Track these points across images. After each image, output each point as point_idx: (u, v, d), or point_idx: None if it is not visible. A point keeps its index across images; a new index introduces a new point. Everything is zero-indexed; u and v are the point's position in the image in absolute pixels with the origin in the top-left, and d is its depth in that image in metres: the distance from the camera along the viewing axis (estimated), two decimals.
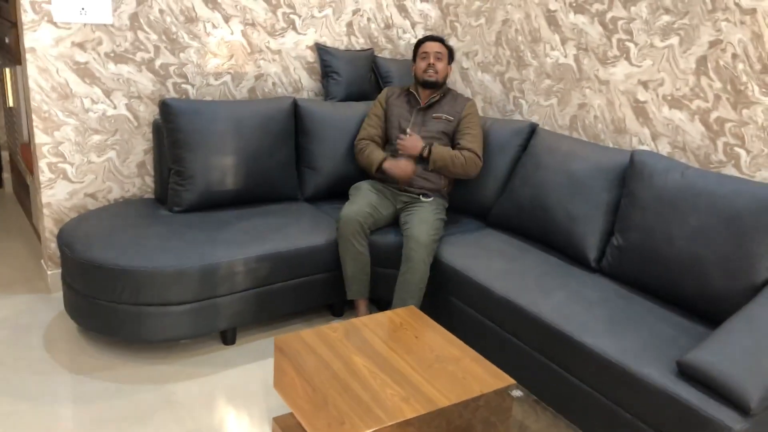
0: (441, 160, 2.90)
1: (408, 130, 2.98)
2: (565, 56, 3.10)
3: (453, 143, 3.01)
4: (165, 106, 2.80)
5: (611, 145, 2.94)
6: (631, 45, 2.80)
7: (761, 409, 1.77)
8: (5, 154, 4.38)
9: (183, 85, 3.09)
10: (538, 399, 1.80)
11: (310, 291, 2.81)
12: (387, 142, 3.11)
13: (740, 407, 1.77)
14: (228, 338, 2.71)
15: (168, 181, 2.92)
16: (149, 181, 3.13)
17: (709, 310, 2.23)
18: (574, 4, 3.01)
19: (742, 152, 2.47)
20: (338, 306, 3.00)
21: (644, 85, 2.77)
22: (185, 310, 2.49)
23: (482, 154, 3.00)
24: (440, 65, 3.00)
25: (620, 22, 2.83)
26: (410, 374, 1.89)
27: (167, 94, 3.06)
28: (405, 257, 2.69)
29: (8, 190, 4.41)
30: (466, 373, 1.91)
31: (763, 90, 2.37)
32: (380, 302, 3.04)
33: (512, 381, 1.89)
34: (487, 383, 1.87)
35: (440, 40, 3.05)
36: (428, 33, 3.84)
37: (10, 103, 3.75)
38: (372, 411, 1.72)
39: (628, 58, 2.82)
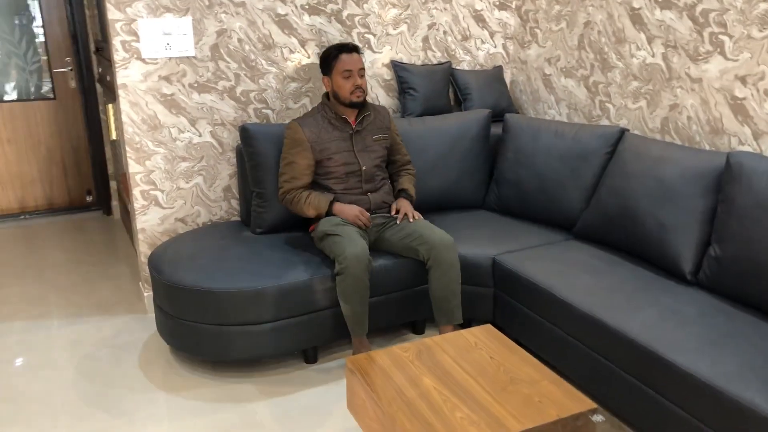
0: (413, 186, 2.98)
1: (415, 216, 2.79)
2: (653, 55, 2.91)
3: (389, 158, 2.98)
4: (244, 131, 2.89)
5: (708, 148, 2.71)
6: (725, 38, 2.58)
7: None
8: (113, 184, 4.71)
9: (263, 110, 3.18)
10: (624, 423, 1.66)
11: (390, 308, 2.78)
12: (320, 176, 2.81)
13: None
14: (309, 356, 2.73)
15: (251, 203, 3.00)
16: (235, 204, 3.24)
17: None
18: (660, 0, 2.82)
19: None
20: (420, 324, 2.95)
21: (742, 80, 2.54)
22: (265, 329, 2.53)
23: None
24: (364, 82, 2.77)
25: (712, 15, 2.62)
26: (482, 397, 1.81)
27: (249, 120, 3.16)
28: (434, 261, 2.63)
29: (117, 216, 4.72)
30: (543, 396, 1.81)
31: None
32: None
33: (593, 405, 1.77)
34: (566, 407, 1.76)
35: (356, 49, 2.77)
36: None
37: (113, 136, 4.02)
38: None
39: (722, 53, 2.60)
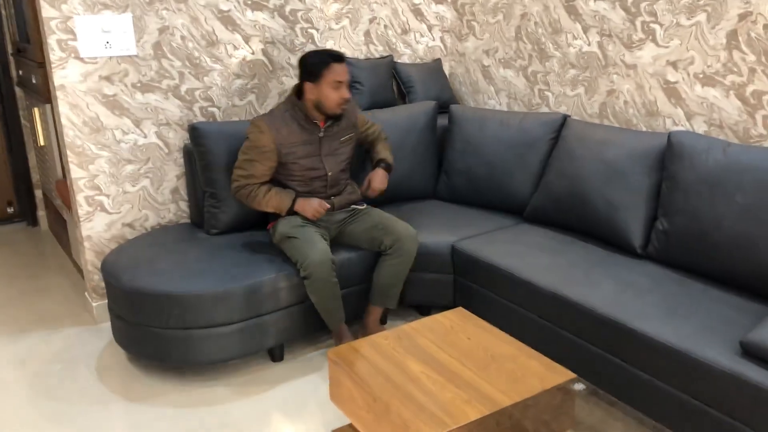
0: (390, 152, 2.96)
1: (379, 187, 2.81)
2: (589, 44, 3.07)
3: (362, 147, 2.99)
4: (194, 131, 2.82)
5: (644, 129, 2.89)
6: (656, 26, 2.76)
7: None
8: (38, 193, 4.46)
9: (209, 108, 3.12)
10: (599, 389, 1.77)
11: (355, 301, 2.79)
12: (282, 176, 2.71)
13: None
14: (276, 355, 2.70)
15: (203, 204, 2.94)
16: (184, 206, 3.15)
17: (765, 288, 2.17)
18: None
19: None
20: (383, 314, 2.99)
21: (674, 65, 2.73)
22: (232, 330, 2.50)
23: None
24: (348, 90, 2.67)
25: (643, 5, 2.79)
26: (468, 376, 1.87)
27: (195, 119, 3.09)
28: (395, 251, 2.65)
29: (44, 227, 4.48)
30: (525, 370, 1.88)
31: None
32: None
33: (573, 375, 1.86)
34: (548, 379, 1.84)
35: (344, 58, 2.66)
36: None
37: (41, 142, 3.81)
38: (435, 416, 1.70)
39: (654, 40, 2.78)
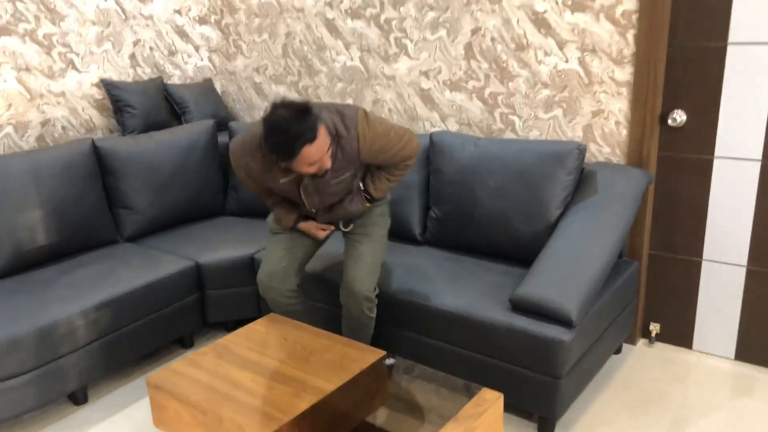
0: (383, 191, 2.35)
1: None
2: (352, 59, 3.37)
3: (373, 170, 2.35)
4: None
5: None
6: (407, 41, 3.14)
7: (581, 319, 2.16)
8: None
9: None
10: (406, 360, 2.02)
11: (157, 328, 2.73)
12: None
13: (565, 322, 2.14)
14: (79, 398, 2.54)
15: None
16: None
17: (521, 254, 2.62)
18: (350, 11, 3.28)
19: (516, 118, 2.92)
20: (188, 337, 2.96)
21: (425, 74, 3.13)
22: (27, 380, 2.30)
23: (412, 145, 2.27)
24: (327, 158, 2.04)
25: (394, 22, 3.15)
26: (292, 372, 1.99)
27: None
28: (343, 303, 2.36)
29: None
30: (343, 357, 2.06)
31: (520, 64, 2.83)
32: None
33: (383, 352, 2.08)
34: (364, 360, 2.04)
35: (311, 139, 1.94)
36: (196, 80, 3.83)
37: None
38: (268, 413, 1.79)
39: (407, 53, 3.16)
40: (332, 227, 2.40)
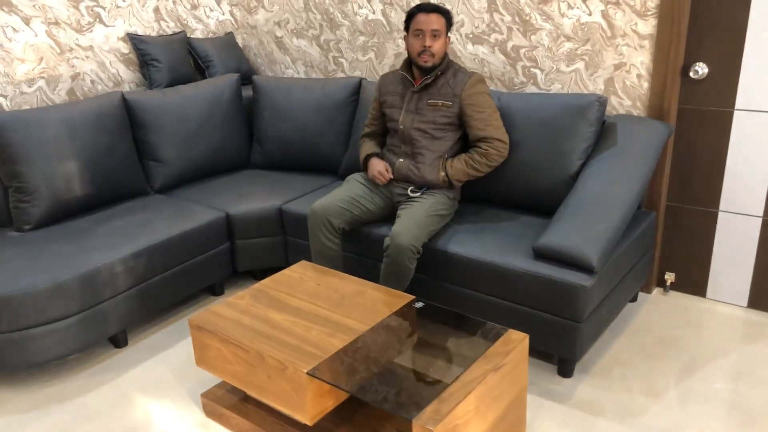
0: (458, 175, 2.61)
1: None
2: (374, 12, 3.39)
3: (465, 129, 2.66)
4: None
5: None
6: None
7: (601, 266, 2.25)
8: None
9: None
10: (434, 304, 2.12)
11: (190, 276, 2.85)
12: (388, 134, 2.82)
13: (586, 269, 2.23)
14: (120, 341, 2.68)
15: (8, 201, 2.74)
16: None
17: (542, 205, 2.70)
18: None
19: (538, 72, 2.95)
20: (218, 285, 3.08)
21: None
22: (71, 323, 2.43)
23: (502, 131, 2.60)
24: (437, 45, 2.54)
25: None
26: (326, 314, 2.10)
27: None
28: (387, 251, 2.47)
29: None
30: (373, 301, 2.17)
31: (543, 17, 2.85)
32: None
33: (412, 297, 2.19)
34: (394, 303, 2.15)
35: (437, 9, 2.55)
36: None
37: None
38: (307, 351, 1.91)
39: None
40: (389, 176, 2.66)
